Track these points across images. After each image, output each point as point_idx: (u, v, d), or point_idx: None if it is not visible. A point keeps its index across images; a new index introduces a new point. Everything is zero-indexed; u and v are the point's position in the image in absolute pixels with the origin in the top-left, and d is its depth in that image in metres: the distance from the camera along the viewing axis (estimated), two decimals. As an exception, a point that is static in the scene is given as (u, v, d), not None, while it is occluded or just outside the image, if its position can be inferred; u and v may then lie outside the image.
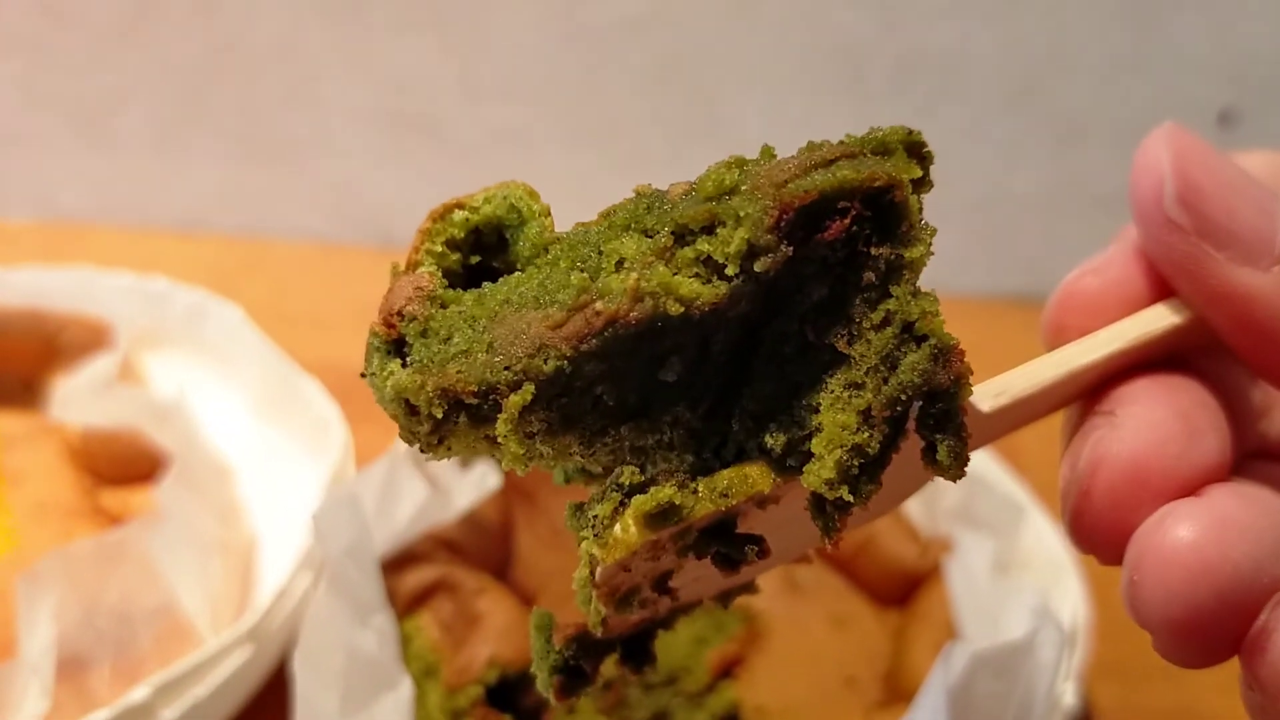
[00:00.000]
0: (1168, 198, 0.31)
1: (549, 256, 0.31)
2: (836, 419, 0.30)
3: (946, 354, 0.30)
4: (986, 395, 0.34)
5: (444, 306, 0.30)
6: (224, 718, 0.61)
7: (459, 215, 0.32)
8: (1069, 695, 0.58)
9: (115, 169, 1.03)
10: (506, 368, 0.29)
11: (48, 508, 0.67)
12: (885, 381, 0.30)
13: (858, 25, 0.91)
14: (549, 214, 0.32)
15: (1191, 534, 0.28)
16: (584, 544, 0.31)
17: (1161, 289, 0.34)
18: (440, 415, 0.29)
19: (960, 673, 0.51)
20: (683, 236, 0.30)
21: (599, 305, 0.29)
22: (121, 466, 0.69)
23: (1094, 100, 0.91)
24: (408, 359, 0.30)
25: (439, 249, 0.31)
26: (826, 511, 0.31)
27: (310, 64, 0.97)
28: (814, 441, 0.30)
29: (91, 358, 0.72)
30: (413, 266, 0.31)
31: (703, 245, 0.29)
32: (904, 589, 0.66)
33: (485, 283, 0.31)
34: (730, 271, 0.29)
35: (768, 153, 0.31)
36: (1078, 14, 0.89)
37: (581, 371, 0.29)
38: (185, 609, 0.62)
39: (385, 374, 0.30)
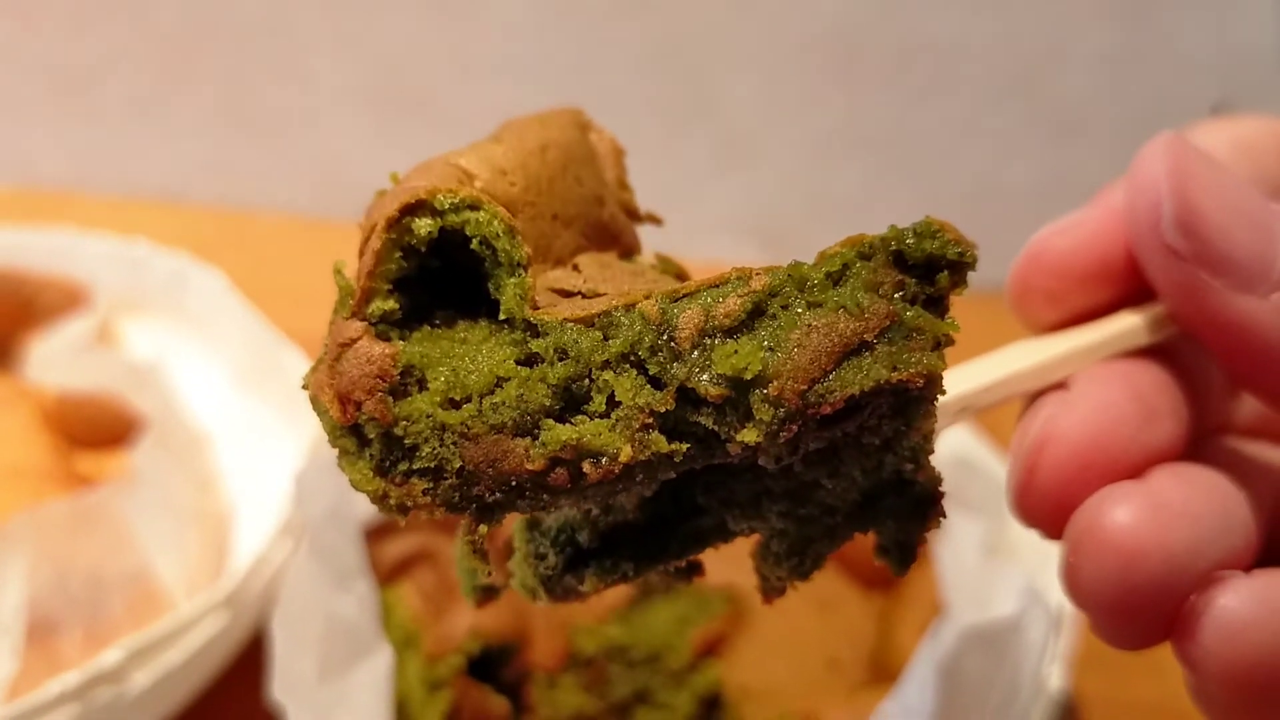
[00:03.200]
0: (1165, 222, 0.30)
1: (528, 346, 0.27)
2: (804, 531, 0.30)
3: (926, 505, 0.29)
4: (948, 411, 0.32)
5: (404, 393, 0.27)
6: (198, 684, 0.60)
7: (422, 226, 0.27)
8: (1055, 677, 0.57)
9: (97, 137, 1.02)
10: (477, 499, 0.27)
11: (20, 471, 0.66)
12: (861, 510, 0.30)
13: (854, 12, 0.90)
14: (528, 262, 0.28)
15: (1128, 518, 0.28)
16: (528, 578, 0.31)
17: (1127, 246, 0.33)
18: (402, 517, 0.28)
19: (949, 648, 0.51)
20: (688, 396, 0.27)
21: (586, 466, 0.27)
22: (97, 430, 0.68)
23: (1088, 94, 0.90)
24: (368, 452, 0.27)
25: (395, 266, 0.28)
26: (770, 583, 0.31)
27: (299, 35, 0.96)
28: (775, 540, 0.30)
29: (68, 320, 0.71)
30: (365, 297, 0.27)
31: (708, 422, 0.27)
32: (889, 571, 0.65)
33: (458, 331, 0.28)
34: (732, 450, 0.27)
35: (796, 274, 0.27)
36: (1073, 7, 0.89)
37: (555, 506, 0.28)
38: (160, 576, 0.61)
39: (338, 446, 0.28)
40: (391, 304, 0.27)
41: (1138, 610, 0.28)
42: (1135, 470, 0.30)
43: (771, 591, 0.31)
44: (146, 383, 0.67)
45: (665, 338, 0.27)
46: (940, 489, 0.29)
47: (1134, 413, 0.30)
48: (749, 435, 0.27)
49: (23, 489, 0.65)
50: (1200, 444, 0.32)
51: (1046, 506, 0.31)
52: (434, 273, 0.28)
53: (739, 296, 0.27)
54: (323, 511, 0.54)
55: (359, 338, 0.27)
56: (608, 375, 0.27)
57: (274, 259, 0.97)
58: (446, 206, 0.27)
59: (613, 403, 0.27)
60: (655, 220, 0.35)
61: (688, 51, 0.93)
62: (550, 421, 0.27)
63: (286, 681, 0.50)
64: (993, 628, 0.53)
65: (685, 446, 0.27)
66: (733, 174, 0.98)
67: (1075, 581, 0.29)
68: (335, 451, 0.28)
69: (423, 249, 0.28)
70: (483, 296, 0.29)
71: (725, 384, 0.26)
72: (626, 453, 0.27)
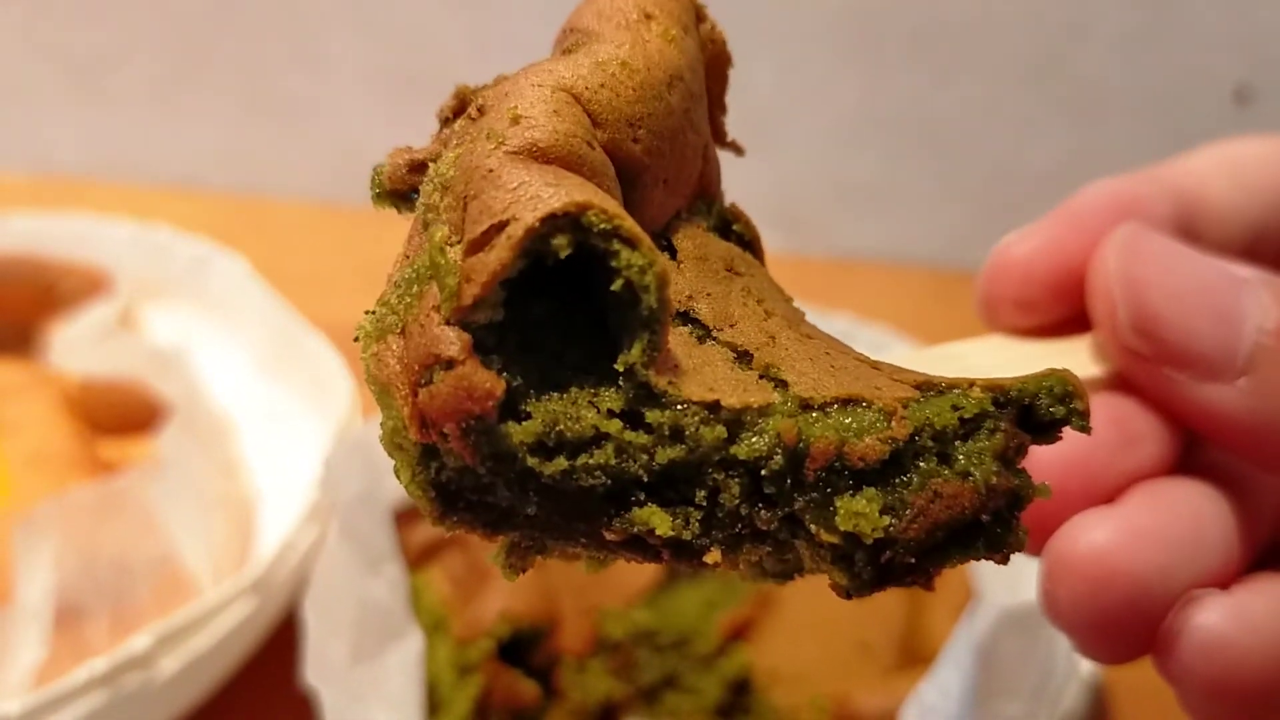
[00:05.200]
0: (1122, 328, 0.30)
1: (641, 410, 0.24)
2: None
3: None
4: None
5: (501, 422, 0.24)
6: (227, 669, 0.60)
7: (561, 245, 0.23)
8: (1087, 661, 0.57)
9: (114, 124, 1.02)
10: (535, 539, 0.25)
11: (44, 458, 0.66)
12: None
13: (873, -6, 0.90)
14: (669, 321, 0.24)
15: (1098, 544, 0.28)
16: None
17: (1091, 253, 0.33)
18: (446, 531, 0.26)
19: (985, 631, 0.51)
20: (793, 518, 0.26)
21: (665, 553, 0.25)
22: (121, 416, 0.68)
23: (1111, 75, 0.90)
24: (434, 466, 0.24)
25: (515, 269, 0.23)
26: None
27: (315, 19, 0.95)
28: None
29: (90, 306, 0.71)
30: (471, 304, 0.23)
31: (802, 547, 0.25)
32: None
33: (558, 348, 0.25)
34: (809, 570, 0.26)
35: (937, 420, 0.26)
36: (1095, -13, 0.88)
37: None
38: (186, 562, 0.61)
39: (397, 443, 0.25)
40: (500, 312, 0.24)
41: (1112, 632, 0.29)
42: (1113, 494, 0.30)
43: (733, 569, 0.32)
44: (170, 368, 0.67)
45: (793, 464, 0.25)
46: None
47: (1111, 437, 0.31)
48: (839, 578, 0.25)
49: (47, 476, 0.64)
50: (1197, 450, 0.32)
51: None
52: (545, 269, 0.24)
53: (879, 440, 0.25)
54: (353, 494, 0.54)
55: (462, 360, 0.23)
56: (720, 475, 0.25)
57: (292, 245, 0.97)
58: (596, 230, 0.23)
59: (714, 500, 0.25)
60: (738, 149, 0.32)
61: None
62: (642, 495, 0.25)
63: (319, 665, 0.50)
64: (1027, 610, 0.53)
65: (767, 550, 0.26)
66: (752, 159, 0.97)
67: (1052, 605, 0.29)
68: (380, 438, 0.25)
69: (549, 260, 0.24)
70: (585, 291, 0.25)
71: (840, 536, 0.25)
72: (714, 557, 0.25)
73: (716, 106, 0.30)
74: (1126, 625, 0.28)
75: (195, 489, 0.62)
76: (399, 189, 0.27)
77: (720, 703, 0.60)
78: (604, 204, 0.23)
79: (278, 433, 0.71)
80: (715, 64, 0.30)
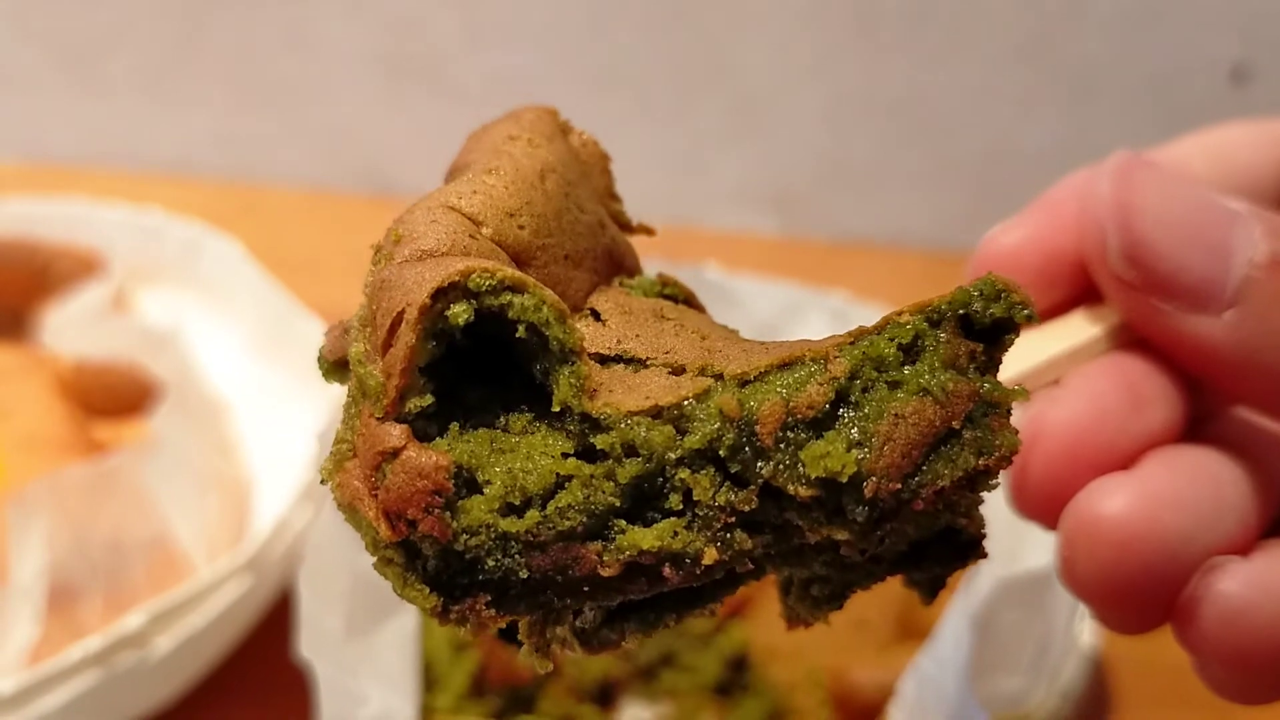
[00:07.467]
0: (1111, 255, 0.30)
1: (590, 440, 0.25)
2: (846, 576, 0.29)
3: (969, 549, 0.28)
4: None
5: (456, 498, 0.25)
6: (222, 648, 0.60)
7: (459, 313, 0.25)
8: (1086, 634, 0.57)
9: (106, 111, 1.01)
10: (545, 604, 0.26)
11: (38, 440, 0.65)
12: (906, 557, 0.29)
13: (867, -25, 0.89)
14: (582, 348, 0.26)
15: (1118, 509, 0.28)
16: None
17: (1076, 241, 0.33)
18: (460, 628, 0.27)
19: (982, 601, 0.50)
20: (771, 491, 0.26)
21: (666, 570, 0.26)
22: (114, 398, 0.68)
23: (1106, 55, 0.89)
24: (421, 565, 0.25)
25: (427, 354, 0.25)
26: (799, 616, 0.31)
27: (307, 5, 0.95)
28: (817, 586, 0.30)
29: (83, 288, 0.70)
30: (401, 395, 0.25)
31: (793, 517, 0.26)
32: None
33: (497, 417, 0.26)
34: (813, 539, 0.27)
35: (872, 352, 0.26)
36: (1090, -33, 0.88)
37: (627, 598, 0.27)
38: (180, 541, 0.61)
39: (382, 557, 0.25)
40: (428, 398, 0.25)
41: (1133, 599, 0.29)
42: (1127, 459, 0.30)
43: (799, 622, 0.31)
44: (164, 348, 0.67)
45: (746, 434, 0.25)
46: (984, 532, 0.29)
47: (1123, 402, 0.30)
48: (839, 534, 0.26)
49: (41, 458, 0.64)
50: (1207, 419, 0.32)
51: (1041, 502, 0.30)
52: (460, 349, 0.26)
53: (820, 385, 0.25)
54: (346, 470, 0.54)
55: (403, 447, 0.24)
56: (684, 473, 0.25)
57: (285, 229, 0.97)
58: (484, 288, 0.25)
59: (690, 501, 0.25)
60: (647, 231, 0.33)
61: (699, 17, 0.92)
62: (623, 523, 0.25)
63: (313, 638, 0.49)
64: (1025, 581, 0.52)
65: (767, 539, 0.26)
66: (746, 140, 0.97)
67: (1071, 574, 0.29)
68: (373, 565, 0.26)
69: (456, 334, 0.25)
70: (512, 369, 0.27)
71: (817, 486, 0.25)
72: (711, 555, 0.25)
73: (609, 198, 0.32)
74: (1147, 592, 0.28)
75: (189, 469, 0.62)
76: (341, 357, 0.28)
77: (718, 680, 0.59)
78: (484, 265, 0.25)
79: (272, 413, 0.71)
80: (595, 163, 0.32)
